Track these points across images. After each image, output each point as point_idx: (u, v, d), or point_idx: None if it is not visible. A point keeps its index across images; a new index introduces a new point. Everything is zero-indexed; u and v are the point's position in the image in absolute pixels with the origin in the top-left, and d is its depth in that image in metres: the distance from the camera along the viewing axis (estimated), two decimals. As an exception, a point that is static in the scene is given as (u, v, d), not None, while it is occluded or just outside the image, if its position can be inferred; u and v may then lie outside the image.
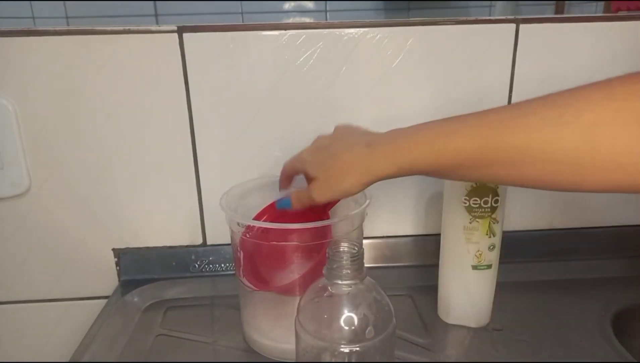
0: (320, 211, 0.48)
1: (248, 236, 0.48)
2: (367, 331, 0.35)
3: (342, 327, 0.35)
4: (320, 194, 0.42)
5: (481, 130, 0.36)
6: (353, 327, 0.35)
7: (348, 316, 0.35)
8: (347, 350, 0.34)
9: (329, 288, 0.36)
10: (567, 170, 0.33)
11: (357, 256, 0.35)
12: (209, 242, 0.65)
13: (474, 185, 0.47)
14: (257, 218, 0.52)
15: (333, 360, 0.34)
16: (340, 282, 0.35)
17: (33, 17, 1.06)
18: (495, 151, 0.34)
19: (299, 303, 0.37)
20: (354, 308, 0.35)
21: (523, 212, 0.66)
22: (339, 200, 0.47)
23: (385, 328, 0.35)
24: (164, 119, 0.60)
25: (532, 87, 0.60)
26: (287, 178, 0.50)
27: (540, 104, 0.34)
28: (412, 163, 0.38)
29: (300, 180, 0.47)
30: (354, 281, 0.35)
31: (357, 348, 0.34)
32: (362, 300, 0.36)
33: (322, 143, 0.45)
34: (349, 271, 0.35)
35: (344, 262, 0.35)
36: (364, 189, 0.41)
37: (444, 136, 0.37)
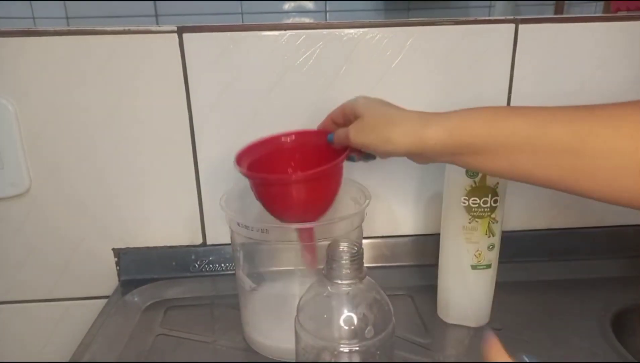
0: (337, 154, 0.47)
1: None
2: (366, 330, 0.35)
3: (342, 327, 0.35)
4: (358, 135, 0.42)
5: (539, 117, 0.36)
6: (353, 327, 0.35)
7: (348, 316, 0.35)
8: (346, 350, 0.34)
9: (329, 287, 0.36)
10: (617, 170, 0.33)
11: (357, 256, 0.35)
12: (209, 242, 0.65)
13: (474, 185, 0.48)
14: (284, 135, 0.52)
15: (333, 360, 0.35)
16: (339, 282, 0.35)
17: (33, 18, 1.06)
18: (555, 137, 0.35)
19: (298, 303, 0.37)
20: (354, 307, 0.35)
21: (522, 212, 0.66)
22: (361, 153, 0.47)
23: (384, 328, 0.36)
24: (164, 119, 0.60)
25: (531, 87, 0.61)
26: (329, 118, 0.49)
27: (590, 108, 0.35)
28: (464, 134, 0.37)
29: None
30: (354, 280, 0.35)
31: (357, 348, 0.34)
32: (361, 300, 0.36)
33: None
34: (348, 271, 0.35)
35: (344, 262, 0.35)
36: (404, 152, 0.40)
37: (502, 116, 0.37)
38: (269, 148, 0.51)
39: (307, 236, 0.46)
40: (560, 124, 0.35)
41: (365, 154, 0.48)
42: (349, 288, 0.35)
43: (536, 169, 0.36)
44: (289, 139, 0.51)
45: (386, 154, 0.42)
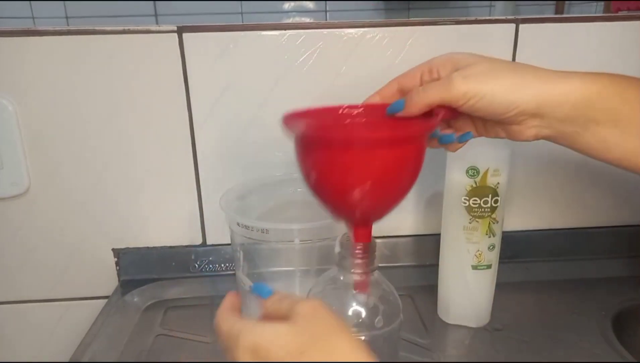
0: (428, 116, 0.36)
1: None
2: (376, 320, 0.35)
3: (352, 316, 0.35)
4: (468, 81, 0.33)
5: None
6: (363, 316, 0.35)
7: (358, 305, 0.36)
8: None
9: (341, 277, 0.36)
10: None
11: (370, 247, 0.35)
12: (208, 242, 0.65)
13: (474, 185, 0.47)
14: (348, 107, 0.40)
15: None
16: (352, 271, 0.35)
17: (33, 17, 1.06)
18: None
19: (309, 292, 0.37)
20: (365, 297, 0.36)
21: (523, 212, 0.66)
22: (456, 113, 0.35)
23: (393, 321, 0.36)
24: (164, 119, 0.59)
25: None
26: (395, 83, 0.39)
27: None
28: (600, 95, 0.31)
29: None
30: (366, 271, 0.35)
31: (364, 337, 0.35)
32: (372, 290, 0.36)
33: None
34: (360, 261, 0.35)
35: (357, 251, 0.35)
36: (533, 104, 0.32)
37: (635, 84, 0.32)
38: (325, 118, 0.40)
39: (364, 285, 0.37)
40: None
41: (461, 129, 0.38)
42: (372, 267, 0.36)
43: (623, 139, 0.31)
44: (354, 112, 0.40)
45: (504, 111, 0.33)
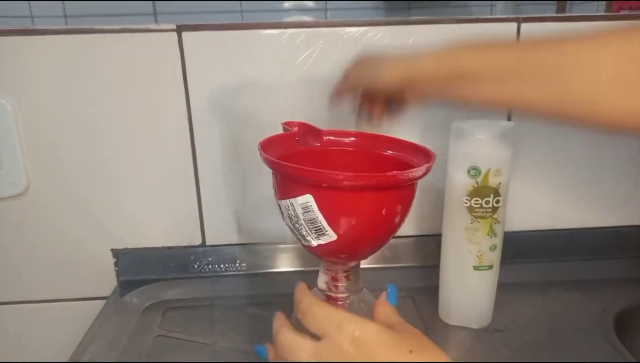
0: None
1: None
2: None
3: None
4: (354, 74, 0.44)
5: (526, 44, 0.38)
6: None
7: None
8: None
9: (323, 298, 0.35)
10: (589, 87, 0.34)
11: (352, 269, 0.34)
12: (208, 243, 0.65)
13: (476, 185, 0.47)
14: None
15: None
16: (334, 295, 0.34)
17: (32, 17, 1.05)
18: (541, 58, 0.36)
19: (292, 317, 0.37)
20: None
21: (524, 212, 0.65)
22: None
23: None
24: (163, 118, 0.59)
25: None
26: (336, 92, 0.49)
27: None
28: (452, 63, 0.39)
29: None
30: (348, 294, 0.34)
31: None
32: (355, 311, 0.35)
33: None
34: (344, 285, 0.34)
35: (339, 275, 0.34)
36: (397, 82, 0.41)
37: (490, 45, 0.39)
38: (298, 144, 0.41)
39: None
40: (545, 46, 0.36)
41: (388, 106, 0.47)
42: (344, 302, 0.34)
43: (524, 96, 0.37)
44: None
45: (383, 87, 0.42)
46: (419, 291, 0.59)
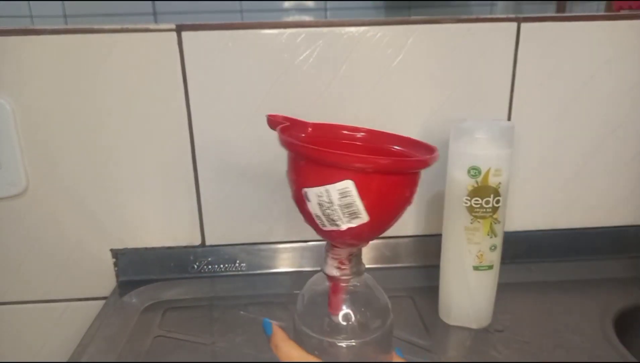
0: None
1: None
2: (364, 327, 0.35)
3: (340, 322, 0.35)
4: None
5: None
6: (350, 322, 0.35)
7: (345, 312, 0.35)
8: (344, 345, 0.34)
9: (327, 283, 0.36)
10: None
11: (355, 252, 0.35)
12: (207, 243, 0.64)
13: (475, 185, 0.47)
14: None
15: (329, 357, 0.34)
16: (342, 277, 0.35)
17: (31, 16, 1.05)
18: None
19: (299, 296, 0.37)
20: (352, 303, 0.35)
21: (524, 212, 0.65)
22: None
23: (382, 325, 0.35)
24: (163, 118, 0.59)
25: (533, 85, 0.60)
26: None
27: None
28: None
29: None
30: (352, 276, 0.35)
31: (354, 343, 0.34)
32: (359, 296, 0.35)
33: None
34: (347, 267, 0.34)
35: (344, 260, 0.34)
36: None
37: None
38: (320, 133, 0.41)
39: (334, 307, 0.37)
40: None
41: None
42: (347, 284, 0.35)
43: None
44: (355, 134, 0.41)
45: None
46: (419, 291, 0.59)
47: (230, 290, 0.61)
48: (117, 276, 0.64)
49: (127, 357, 0.49)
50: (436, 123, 0.61)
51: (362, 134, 0.41)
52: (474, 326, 0.52)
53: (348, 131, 0.41)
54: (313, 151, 0.32)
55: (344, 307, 0.35)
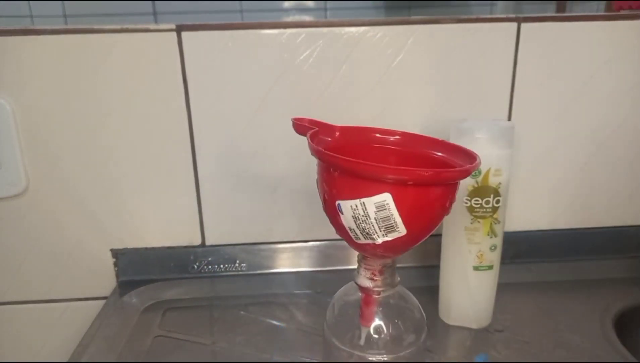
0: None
1: None
2: (396, 341, 0.33)
3: (371, 335, 0.34)
4: None
5: None
6: (381, 336, 0.34)
7: (377, 325, 0.34)
8: (374, 360, 0.33)
9: (358, 293, 0.34)
10: None
11: (389, 263, 0.34)
12: (207, 243, 0.64)
13: (476, 185, 0.47)
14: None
15: None
16: (376, 289, 0.33)
17: (31, 16, 1.05)
18: None
19: (330, 306, 0.36)
20: (384, 316, 0.34)
21: (524, 212, 0.65)
22: None
23: (416, 340, 0.34)
24: (163, 118, 0.59)
25: (533, 85, 0.60)
26: None
27: None
28: None
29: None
30: (385, 288, 0.34)
31: (385, 359, 0.33)
32: (392, 309, 0.34)
33: None
34: (380, 279, 0.33)
35: (377, 271, 0.33)
36: None
37: None
38: (351, 138, 0.38)
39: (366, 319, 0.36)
40: None
41: None
42: (380, 296, 0.34)
43: None
44: (391, 137, 0.39)
45: None
46: (419, 291, 0.58)
47: (231, 290, 0.61)
48: (117, 276, 0.64)
49: (127, 357, 0.49)
50: (436, 123, 0.61)
51: (397, 137, 0.38)
52: (474, 326, 0.52)
53: (380, 134, 0.39)
54: (349, 163, 0.30)
55: (376, 319, 0.34)
